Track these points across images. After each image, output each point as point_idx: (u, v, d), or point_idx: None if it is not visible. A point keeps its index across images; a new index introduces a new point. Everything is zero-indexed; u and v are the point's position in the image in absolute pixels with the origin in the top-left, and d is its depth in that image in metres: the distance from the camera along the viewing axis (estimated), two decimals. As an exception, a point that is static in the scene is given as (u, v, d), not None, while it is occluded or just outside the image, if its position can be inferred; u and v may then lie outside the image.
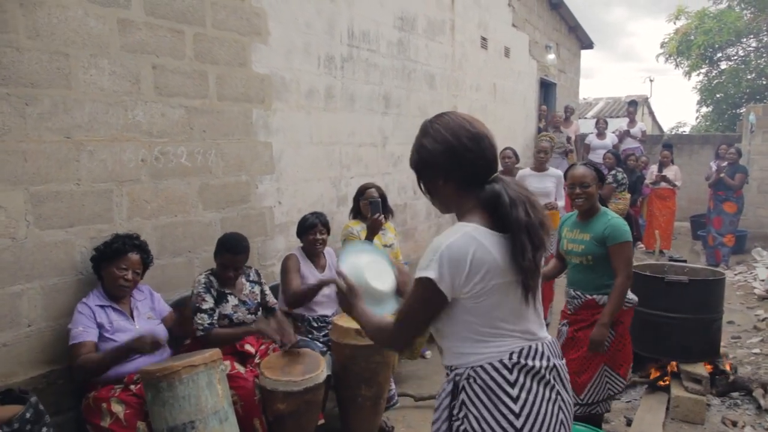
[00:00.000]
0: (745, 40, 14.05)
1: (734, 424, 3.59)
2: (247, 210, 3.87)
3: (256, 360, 3.04)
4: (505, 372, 1.46)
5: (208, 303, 2.99)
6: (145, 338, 2.57)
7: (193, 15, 3.37)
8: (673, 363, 3.96)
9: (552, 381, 1.51)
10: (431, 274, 1.43)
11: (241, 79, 3.74)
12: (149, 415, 2.41)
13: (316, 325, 3.54)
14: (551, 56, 9.84)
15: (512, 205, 1.45)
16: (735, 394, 3.96)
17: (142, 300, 2.93)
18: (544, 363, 1.50)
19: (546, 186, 5.19)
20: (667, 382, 3.90)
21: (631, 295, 3.06)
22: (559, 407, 1.51)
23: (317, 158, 4.54)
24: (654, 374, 4.00)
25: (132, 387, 2.61)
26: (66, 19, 2.73)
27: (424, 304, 1.48)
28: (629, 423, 3.58)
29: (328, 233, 3.64)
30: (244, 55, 3.75)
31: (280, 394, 2.72)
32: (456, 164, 1.50)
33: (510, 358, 1.46)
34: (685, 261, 4.44)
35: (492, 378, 1.46)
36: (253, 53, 3.82)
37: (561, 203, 5.26)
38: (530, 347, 1.50)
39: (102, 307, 2.73)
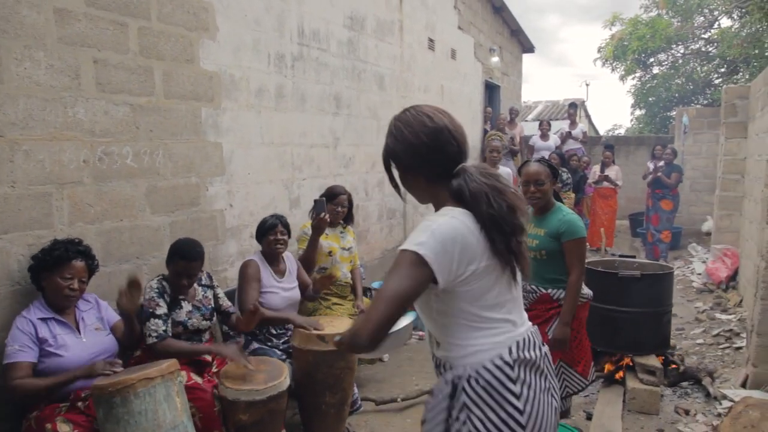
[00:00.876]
0: (674, 46, 14.80)
1: (687, 412, 3.71)
2: (197, 213, 3.69)
3: (214, 369, 2.88)
4: (507, 369, 1.43)
5: (162, 308, 2.81)
6: (97, 366, 2.41)
7: (137, 7, 3.18)
8: (627, 357, 4.05)
9: (545, 370, 1.52)
10: (420, 249, 1.37)
11: (189, 76, 3.56)
12: (100, 434, 2.23)
13: (275, 332, 3.40)
14: (495, 59, 10.01)
15: (473, 198, 1.44)
16: (685, 384, 4.10)
17: (88, 310, 2.71)
18: (538, 353, 1.50)
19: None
20: (622, 376, 3.98)
21: (586, 290, 3.09)
22: (551, 394, 1.52)
23: (269, 159, 4.40)
24: (609, 368, 4.08)
25: (80, 404, 2.41)
26: (-4, 6, 2.51)
27: (409, 280, 1.36)
28: (589, 417, 3.63)
29: (289, 235, 3.51)
30: (191, 51, 3.57)
31: (243, 404, 2.58)
32: (418, 161, 1.51)
33: (510, 354, 1.44)
34: (634, 257, 4.57)
35: (495, 377, 1.42)
36: (201, 49, 3.65)
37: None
38: (525, 339, 1.48)
39: (44, 320, 2.51)
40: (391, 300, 1.34)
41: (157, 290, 2.84)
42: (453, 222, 1.41)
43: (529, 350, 1.47)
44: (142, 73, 3.23)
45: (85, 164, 2.92)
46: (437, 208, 1.53)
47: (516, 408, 1.42)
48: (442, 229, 1.39)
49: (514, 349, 1.45)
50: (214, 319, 3.13)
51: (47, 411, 2.37)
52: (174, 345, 2.79)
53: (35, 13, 2.66)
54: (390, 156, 1.56)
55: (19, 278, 2.61)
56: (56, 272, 2.51)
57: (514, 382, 1.42)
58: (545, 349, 1.56)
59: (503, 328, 1.47)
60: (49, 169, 2.75)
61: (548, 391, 1.50)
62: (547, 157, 8.59)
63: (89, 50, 2.92)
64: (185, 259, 2.89)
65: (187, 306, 2.94)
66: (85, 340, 2.57)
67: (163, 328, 2.78)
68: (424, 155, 1.49)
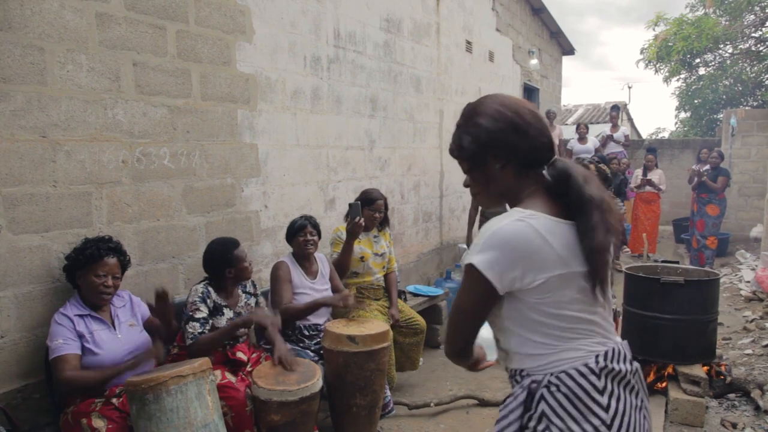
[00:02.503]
0: (722, 46, 14.30)
1: (734, 426, 3.54)
2: (232, 214, 3.73)
3: (248, 368, 2.89)
4: (592, 378, 1.28)
5: (202, 312, 2.83)
6: (146, 354, 2.49)
7: (175, 11, 3.24)
8: (670, 365, 3.90)
9: (636, 386, 1.36)
10: (475, 260, 1.28)
11: (226, 78, 3.61)
12: (134, 429, 2.26)
13: (307, 333, 3.40)
14: (534, 61, 9.86)
15: (585, 181, 1.31)
16: (732, 396, 3.91)
17: (122, 306, 2.76)
18: (629, 366, 1.34)
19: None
20: (665, 385, 3.83)
21: None
22: (644, 415, 1.37)
23: (304, 161, 4.42)
24: (651, 377, 3.93)
25: (114, 400, 2.45)
26: (41, 11, 2.59)
27: (471, 295, 1.32)
28: (629, 427, 3.49)
29: (319, 236, 3.52)
30: (228, 54, 3.62)
31: (275, 404, 2.58)
32: (522, 142, 1.34)
33: (596, 362, 1.29)
34: (677, 262, 4.40)
35: (579, 385, 1.28)
36: (238, 52, 3.70)
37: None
38: (614, 349, 1.32)
39: (81, 316, 2.56)
40: (456, 315, 1.37)
41: (200, 294, 2.87)
42: (519, 224, 1.28)
43: (619, 362, 1.31)
44: (180, 76, 3.29)
45: (123, 164, 2.99)
46: (514, 206, 1.38)
47: (603, 421, 1.26)
48: (503, 234, 1.28)
49: (601, 358, 1.29)
50: (252, 326, 3.15)
51: (83, 406, 2.42)
52: (206, 338, 2.79)
53: (78, 18, 2.73)
54: (482, 138, 1.37)
55: (59, 275, 2.68)
56: (90, 270, 2.56)
57: (601, 392, 1.27)
58: (636, 365, 1.39)
59: (588, 339, 1.32)
60: (89, 169, 2.82)
61: (640, 410, 1.35)
62: (585, 162, 8.43)
63: (129, 53, 2.98)
64: (232, 247, 2.98)
65: (228, 313, 2.96)
66: (120, 336, 2.61)
67: (200, 330, 2.79)
68: (524, 135, 1.33)
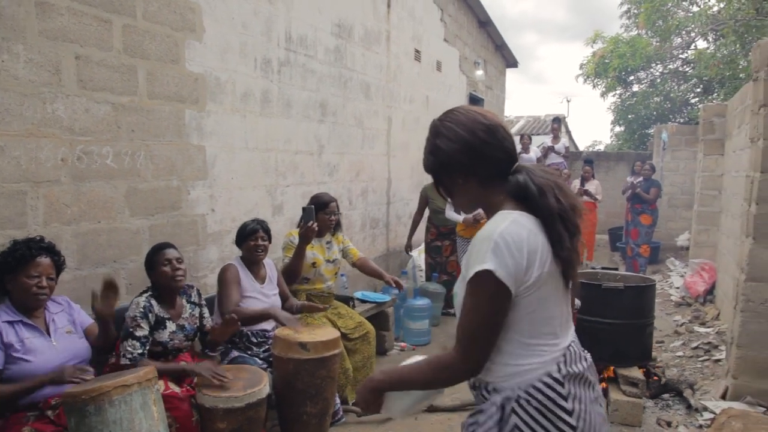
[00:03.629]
0: (653, 65, 15.11)
1: (668, 424, 3.70)
2: (178, 217, 3.60)
3: (195, 380, 2.77)
4: (558, 387, 1.36)
5: (143, 330, 2.69)
6: (66, 372, 2.30)
7: (122, 4, 3.11)
8: (609, 368, 4.04)
9: (591, 379, 1.45)
10: (489, 265, 1.30)
11: (174, 76, 3.50)
12: (72, 443, 2.13)
13: (255, 340, 3.32)
14: (480, 72, 10.08)
15: (541, 193, 1.37)
16: (666, 396, 4.10)
17: (59, 312, 2.60)
18: (585, 364, 1.44)
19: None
20: (605, 387, 3.97)
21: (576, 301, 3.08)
22: (600, 404, 1.47)
23: (252, 165, 4.34)
24: (592, 380, 4.06)
25: (49, 413, 2.31)
26: (-25, -3, 2.43)
27: (491, 303, 1.32)
28: (572, 429, 3.59)
29: (270, 240, 3.44)
30: (177, 52, 3.51)
31: (221, 411, 2.50)
32: (476, 161, 1.42)
33: (559, 371, 1.37)
34: (617, 269, 4.59)
35: (547, 396, 1.35)
36: (187, 50, 3.59)
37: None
38: (571, 352, 1.41)
39: (11, 323, 2.40)
40: (475, 329, 1.34)
41: (142, 309, 2.72)
42: (515, 226, 1.34)
43: (575, 363, 1.40)
44: (126, 72, 3.16)
45: (62, 163, 2.83)
46: (490, 214, 1.44)
47: (569, 425, 1.35)
48: (507, 236, 1.32)
49: (563, 365, 1.37)
50: (196, 339, 3.03)
51: (13, 420, 2.27)
52: (148, 364, 2.65)
53: (15, 5, 2.58)
54: (441, 158, 1.46)
55: (-11, 279, 2.50)
56: (21, 272, 2.40)
57: (565, 399, 1.35)
58: (589, 357, 1.49)
59: (550, 344, 1.39)
60: (24, 166, 2.66)
61: (596, 400, 1.45)
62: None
63: (71, 45, 2.84)
64: (160, 248, 2.84)
65: (171, 326, 2.83)
66: (56, 343, 2.46)
67: (140, 351, 2.65)
68: (481, 153, 1.41)
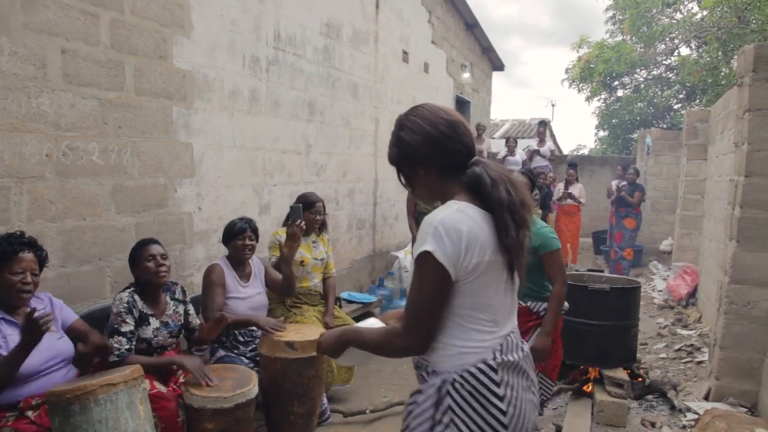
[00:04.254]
0: (638, 71, 15.28)
1: (653, 425, 3.74)
2: (164, 215, 3.56)
3: (181, 379, 2.74)
4: (491, 373, 1.45)
5: (129, 325, 2.65)
6: (30, 316, 2.13)
7: (109, -1, 3.07)
8: (595, 369, 4.07)
9: (526, 369, 1.54)
10: (428, 247, 1.40)
11: (162, 73, 3.46)
12: (55, 444, 2.08)
13: (242, 339, 3.29)
14: (466, 75, 10.12)
15: (493, 185, 1.45)
16: (650, 397, 4.14)
17: (41, 310, 2.53)
18: (520, 354, 1.53)
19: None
20: (591, 388, 4.00)
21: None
22: (531, 391, 1.55)
23: (240, 163, 4.30)
24: (578, 381, 4.09)
25: (30, 413, 2.24)
26: (-41, -13, 2.38)
27: (431, 282, 1.41)
28: (558, 429, 3.61)
29: (257, 240, 3.42)
30: (165, 48, 3.47)
31: (209, 411, 2.47)
32: (437, 152, 1.51)
33: (494, 358, 1.46)
34: (602, 271, 4.62)
35: (480, 382, 1.44)
36: (175, 46, 3.55)
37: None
38: (508, 342, 1.50)
39: (-8, 320, 2.35)
40: (417, 307, 1.43)
41: (126, 304, 2.68)
42: (458, 214, 1.43)
43: (511, 353, 1.49)
44: (113, 67, 3.11)
45: (47, 158, 2.78)
46: (444, 203, 1.54)
47: (500, 409, 1.44)
48: (446, 223, 1.41)
49: (498, 353, 1.46)
50: (181, 335, 2.99)
51: (-6, 420, 2.21)
52: (135, 361, 2.61)
53: (0, -3, 2.53)
54: (404, 150, 1.56)
55: (-30, 276, 2.44)
56: (4, 268, 2.34)
57: (498, 385, 1.45)
58: (527, 348, 1.59)
59: (489, 331, 1.47)
60: (8, 161, 2.61)
61: (528, 389, 1.53)
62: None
63: (57, 39, 2.79)
64: (144, 244, 2.79)
65: (154, 323, 2.79)
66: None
67: (127, 346, 2.62)
68: (442, 146, 1.50)
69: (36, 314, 2.11)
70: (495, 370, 1.45)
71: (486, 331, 1.47)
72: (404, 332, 1.45)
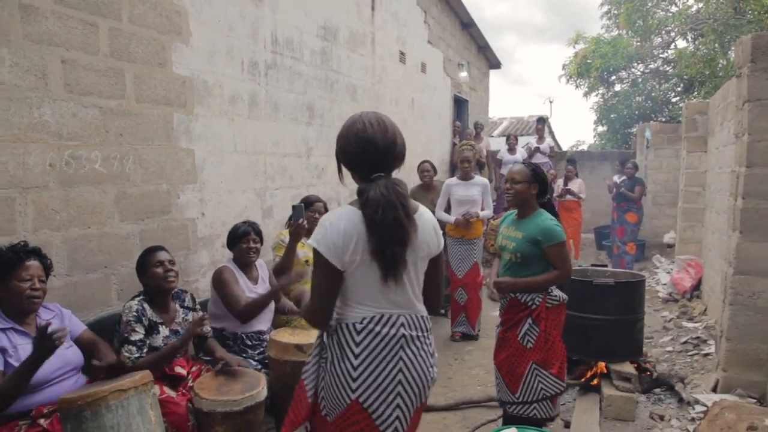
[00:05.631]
0: (635, 65, 15.31)
1: (661, 418, 3.74)
2: (168, 222, 3.57)
3: (190, 383, 2.75)
4: (353, 333, 1.77)
5: (138, 334, 2.66)
6: (43, 331, 2.15)
7: (108, 7, 3.08)
8: (601, 363, 4.07)
9: (397, 348, 1.78)
10: (315, 243, 1.72)
11: (161, 80, 3.47)
12: (67, 451, 2.09)
13: (250, 342, 3.30)
14: (464, 74, 10.13)
15: (367, 204, 1.68)
16: (657, 390, 4.14)
17: (50, 319, 2.54)
18: (393, 331, 1.78)
19: (472, 194, 5.25)
20: (598, 383, 4.00)
21: (556, 292, 3.06)
22: (400, 370, 1.78)
23: (241, 168, 4.31)
24: (585, 376, 4.09)
25: (42, 421, 2.25)
26: (-41, 0, 2.39)
27: (319, 272, 1.75)
28: (567, 425, 3.62)
29: (261, 242, 3.43)
30: (164, 55, 3.48)
31: (219, 415, 2.48)
32: (351, 163, 1.79)
33: (361, 323, 1.77)
34: (606, 266, 4.63)
35: (344, 335, 1.78)
36: (174, 53, 3.56)
37: (488, 212, 5.33)
38: (382, 315, 1.78)
39: (2, 330, 2.35)
40: (312, 293, 1.80)
41: (135, 313, 2.69)
42: (340, 218, 1.72)
43: (383, 326, 1.77)
44: (113, 76, 3.12)
45: (51, 168, 2.79)
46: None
47: (352, 365, 1.75)
48: (331, 224, 1.71)
49: (366, 321, 1.76)
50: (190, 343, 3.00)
51: (5, 430, 2.22)
52: (145, 361, 2.62)
53: None
54: (336, 150, 1.84)
55: (-22, 287, 2.45)
56: (12, 277, 2.35)
57: (357, 345, 1.75)
58: (419, 333, 1.84)
59: (362, 307, 1.78)
60: (12, 172, 2.62)
61: (393, 364, 1.77)
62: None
63: (57, 49, 2.80)
64: (153, 251, 2.82)
65: (164, 331, 2.80)
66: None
67: (137, 354, 2.63)
68: (351, 158, 1.77)
69: (50, 329, 2.12)
70: (358, 333, 1.76)
71: (361, 306, 1.77)
72: (309, 314, 1.82)
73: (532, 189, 3.09)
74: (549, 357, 3.03)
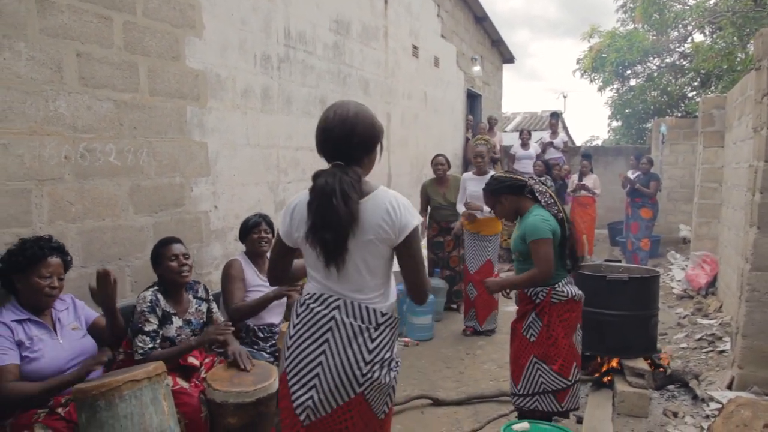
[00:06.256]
0: (651, 59, 15.12)
1: (675, 414, 3.70)
2: (181, 214, 3.59)
3: (202, 374, 2.77)
4: (298, 307, 1.92)
5: (152, 324, 2.69)
6: (96, 358, 2.38)
7: (122, 1, 3.10)
8: (615, 359, 4.04)
9: (325, 329, 1.84)
10: (278, 224, 1.99)
11: (175, 73, 3.48)
12: (82, 439, 2.11)
13: (261, 335, 3.31)
14: (477, 68, 10.08)
15: (312, 189, 1.80)
16: (671, 387, 4.10)
17: (64, 310, 2.58)
18: (326, 311, 1.85)
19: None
20: (611, 379, 3.97)
21: (565, 288, 3.03)
22: (323, 352, 1.83)
23: (254, 161, 4.33)
24: (598, 371, 4.06)
25: (60, 410, 2.29)
26: (-24, -7, 2.41)
27: (276, 246, 2.01)
28: (579, 420, 3.60)
29: (273, 233, 3.44)
30: (177, 48, 3.50)
31: (231, 406, 2.49)
32: (317, 148, 1.89)
33: (306, 297, 1.91)
34: (620, 261, 4.58)
35: (295, 305, 1.94)
36: (187, 47, 3.58)
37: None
38: (321, 295, 1.87)
39: (19, 321, 2.38)
40: (269, 262, 2.08)
41: (149, 303, 2.72)
42: (295, 200, 1.91)
43: (318, 304, 1.86)
44: (127, 69, 3.14)
45: (66, 160, 2.82)
46: None
47: (289, 336, 1.91)
48: (291, 202, 1.93)
49: (307, 297, 1.90)
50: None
51: (24, 417, 2.25)
52: (159, 354, 2.65)
53: (16, 2, 2.56)
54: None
55: (-5, 278, 2.48)
56: (32, 272, 2.39)
57: (297, 315, 1.90)
58: (348, 319, 1.83)
59: (312, 282, 1.92)
60: (28, 164, 2.64)
61: (320, 335, 1.84)
62: (532, 165, 8.68)
63: (72, 43, 2.82)
64: (168, 243, 2.83)
65: (177, 322, 2.83)
66: (62, 341, 2.45)
67: (150, 345, 2.66)
68: (317, 147, 1.88)
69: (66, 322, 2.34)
70: (300, 306, 1.90)
71: (311, 280, 1.92)
72: (268, 275, 2.08)
73: (505, 200, 3.11)
74: (551, 353, 3.02)
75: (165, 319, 2.77)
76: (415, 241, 1.84)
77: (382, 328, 1.86)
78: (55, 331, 2.48)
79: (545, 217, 2.98)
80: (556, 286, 3.00)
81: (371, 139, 1.85)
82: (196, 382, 2.71)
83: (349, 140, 1.79)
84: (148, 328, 2.66)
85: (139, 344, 2.63)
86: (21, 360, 2.32)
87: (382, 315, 1.86)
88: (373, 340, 1.84)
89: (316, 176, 1.79)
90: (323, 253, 1.79)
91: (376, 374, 1.83)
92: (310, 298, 1.87)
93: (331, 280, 1.85)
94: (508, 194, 3.11)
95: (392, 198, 1.83)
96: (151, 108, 3.32)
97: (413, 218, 1.83)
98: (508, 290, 3.25)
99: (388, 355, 1.88)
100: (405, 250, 1.84)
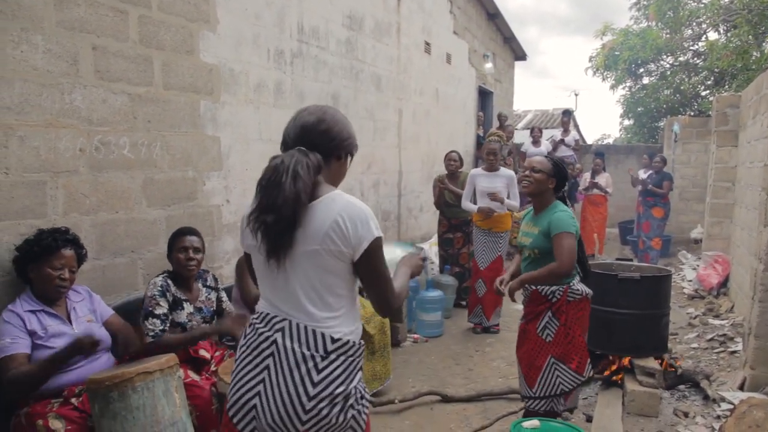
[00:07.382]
0: (664, 57, 14.98)
1: (686, 414, 3.68)
2: (193, 208, 3.61)
3: (212, 367, 2.79)
4: (248, 328, 1.69)
5: (162, 308, 2.72)
6: (83, 340, 2.27)
7: (137, -5, 3.11)
8: (625, 358, 4.02)
9: (266, 354, 1.60)
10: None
11: (189, 67, 3.50)
12: (96, 430, 2.14)
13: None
14: (489, 65, 10.04)
15: (265, 169, 1.61)
16: (682, 387, 4.08)
17: (80, 301, 2.61)
18: (268, 333, 1.61)
19: (496, 185, 5.20)
20: (621, 378, 3.95)
21: (579, 286, 3.01)
22: (262, 381, 1.58)
23: (266, 156, 4.27)
24: (608, 370, 4.04)
25: (73, 400, 2.32)
26: (-6, -14, 2.43)
27: (244, 254, 1.83)
28: (589, 419, 3.59)
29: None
30: (191, 43, 3.51)
31: (243, 400, 2.50)
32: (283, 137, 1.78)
33: (255, 318, 1.69)
34: (631, 260, 4.56)
35: (247, 327, 1.71)
36: (201, 41, 3.59)
37: (515, 202, 5.27)
38: (267, 315, 1.65)
39: (33, 312, 2.41)
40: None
41: (160, 288, 2.76)
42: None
43: (264, 325, 1.63)
44: (142, 63, 3.16)
45: (81, 153, 2.84)
46: None
47: (238, 350, 1.69)
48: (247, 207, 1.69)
49: (255, 317, 1.68)
50: (215, 322, 3.04)
51: (38, 407, 2.28)
52: (170, 339, 2.70)
53: (34, -4, 2.58)
54: None
55: (9, 268, 2.51)
56: (45, 262, 2.42)
57: (244, 337, 1.69)
58: (289, 343, 1.59)
59: (265, 301, 1.68)
60: (44, 156, 2.67)
61: (259, 372, 1.60)
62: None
63: (88, 36, 2.84)
64: (182, 234, 2.87)
65: (188, 308, 2.86)
66: (77, 331, 2.47)
67: (161, 327, 2.69)
68: (283, 135, 1.76)
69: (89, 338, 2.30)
70: (251, 326, 1.68)
71: (263, 300, 1.68)
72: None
73: (550, 182, 3.04)
74: (569, 351, 2.99)
75: (176, 305, 2.81)
76: (374, 257, 1.60)
77: (332, 356, 1.58)
78: (70, 321, 2.50)
79: (571, 215, 2.98)
80: (572, 284, 2.97)
81: (340, 135, 1.69)
82: (207, 375, 2.73)
83: (315, 126, 1.66)
84: (158, 311, 2.70)
85: (150, 327, 2.67)
86: (35, 349, 2.34)
87: (333, 341, 1.58)
88: (319, 371, 1.55)
89: (274, 157, 1.62)
90: (264, 243, 1.55)
91: (324, 412, 1.55)
92: (257, 318, 1.66)
93: (277, 294, 1.63)
94: (554, 181, 3.05)
95: (343, 208, 1.58)
96: (165, 102, 3.33)
97: (369, 232, 1.58)
98: (534, 285, 3.06)
99: (341, 389, 1.57)
100: (363, 266, 1.60)
